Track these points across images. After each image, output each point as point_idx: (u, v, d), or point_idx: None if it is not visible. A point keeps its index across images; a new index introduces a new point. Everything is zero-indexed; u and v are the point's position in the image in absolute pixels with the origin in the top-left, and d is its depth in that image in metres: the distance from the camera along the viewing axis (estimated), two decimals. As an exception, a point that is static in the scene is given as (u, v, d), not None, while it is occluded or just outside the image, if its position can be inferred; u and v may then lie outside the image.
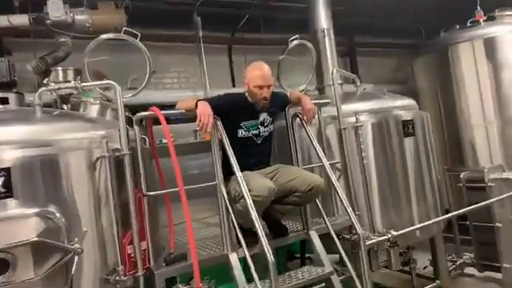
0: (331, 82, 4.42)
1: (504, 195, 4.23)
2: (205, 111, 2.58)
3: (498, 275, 4.49)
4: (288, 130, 3.12)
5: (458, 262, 4.82)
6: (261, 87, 2.81)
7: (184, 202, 2.37)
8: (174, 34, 5.51)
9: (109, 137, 2.50)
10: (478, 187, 4.56)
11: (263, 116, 2.95)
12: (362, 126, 3.63)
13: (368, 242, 2.74)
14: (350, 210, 2.75)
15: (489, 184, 4.43)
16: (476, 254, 4.71)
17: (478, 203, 4.15)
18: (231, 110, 2.81)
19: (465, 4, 5.81)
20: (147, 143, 3.04)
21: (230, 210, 2.62)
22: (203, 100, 2.73)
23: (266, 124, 2.96)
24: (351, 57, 7.44)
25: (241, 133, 2.87)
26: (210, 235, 3.37)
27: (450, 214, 3.65)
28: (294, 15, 5.57)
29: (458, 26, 6.06)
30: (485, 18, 5.71)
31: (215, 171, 2.68)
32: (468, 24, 5.91)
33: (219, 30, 5.82)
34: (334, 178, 2.88)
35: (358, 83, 4.16)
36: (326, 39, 4.49)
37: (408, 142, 3.89)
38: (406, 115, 3.91)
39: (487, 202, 4.08)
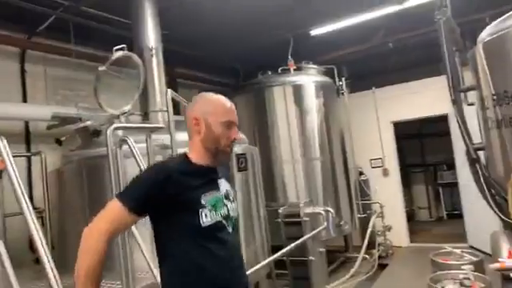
0: (158, 108, 3.98)
1: (317, 229, 4.52)
2: None
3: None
4: (110, 160, 2.39)
5: (275, 299, 4.85)
6: (230, 125, 1.67)
7: None
8: None
9: None
10: (294, 222, 4.77)
11: (223, 184, 1.71)
12: (197, 157, 3.21)
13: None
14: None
15: (304, 218, 4.68)
16: (292, 289, 4.84)
17: (294, 237, 4.30)
18: (175, 183, 1.54)
19: (276, 53, 6.38)
20: None
21: None
22: (119, 199, 1.50)
23: (231, 197, 1.72)
24: (171, 87, 7.11)
25: (205, 216, 1.55)
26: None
27: (277, 254, 3.58)
28: (115, 30, 4.87)
29: (270, 72, 6.62)
30: (295, 67, 6.41)
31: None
32: (279, 71, 6.54)
33: (11, 28, 4.51)
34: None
35: (190, 111, 3.77)
36: (154, 60, 4.00)
37: (239, 177, 3.70)
38: (238, 149, 3.73)
39: (305, 237, 4.23)
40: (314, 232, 4.43)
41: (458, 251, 3.33)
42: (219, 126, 1.65)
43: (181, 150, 3.18)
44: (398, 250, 7.18)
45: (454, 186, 8.12)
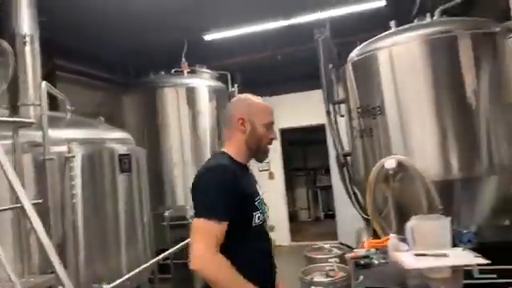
0: (30, 101, 3.57)
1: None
2: None
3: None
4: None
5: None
6: (270, 126, 1.86)
7: None
8: None
9: None
10: (180, 225, 4.74)
11: (258, 184, 1.92)
12: (74, 157, 2.99)
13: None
14: (59, 266, 2.03)
15: (190, 221, 4.68)
16: (176, 292, 4.79)
17: (179, 240, 4.28)
18: (239, 182, 1.69)
19: (170, 53, 6.30)
20: None
21: None
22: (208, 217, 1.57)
23: (264, 200, 1.89)
24: (50, 80, 6.43)
25: (257, 218, 1.75)
26: None
27: (159, 256, 3.51)
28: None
29: (163, 72, 6.49)
30: (188, 69, 6.39)
31: None
32: (173, 72, 6.46)
33: None
34: (37, 222, 2.08)
35: (69, 107, 3.49)
36: (28, 48, 3.57)
37: (122, 179, 3.53)
38: (122, 149, 3.56)
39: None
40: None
41: (328, 246, 3.71)
42: (262, 126, 1.82)
43: (54, 149, 2.97)
44: (281, 248, 7.66)
45: (329, 189, 8.98)
